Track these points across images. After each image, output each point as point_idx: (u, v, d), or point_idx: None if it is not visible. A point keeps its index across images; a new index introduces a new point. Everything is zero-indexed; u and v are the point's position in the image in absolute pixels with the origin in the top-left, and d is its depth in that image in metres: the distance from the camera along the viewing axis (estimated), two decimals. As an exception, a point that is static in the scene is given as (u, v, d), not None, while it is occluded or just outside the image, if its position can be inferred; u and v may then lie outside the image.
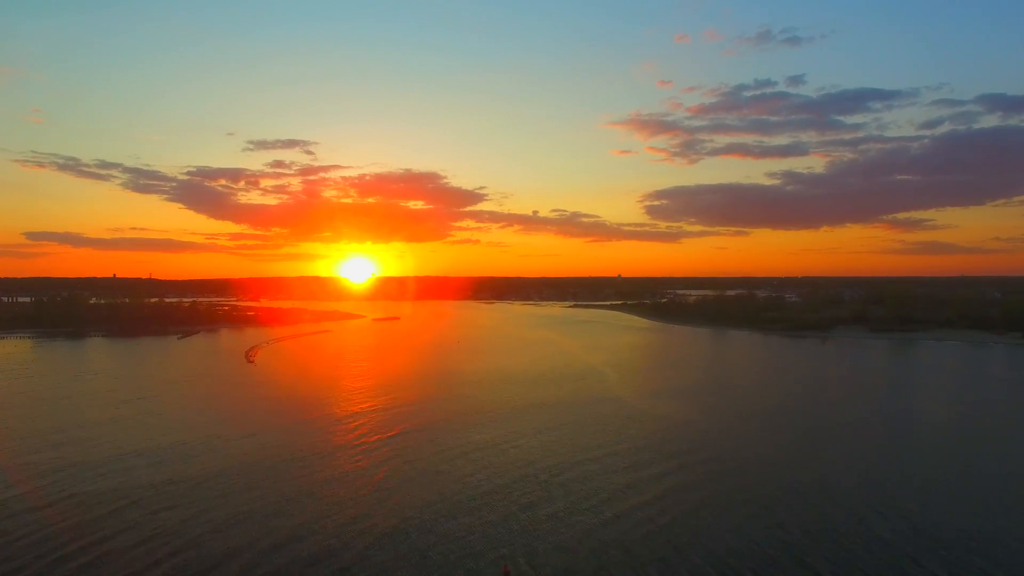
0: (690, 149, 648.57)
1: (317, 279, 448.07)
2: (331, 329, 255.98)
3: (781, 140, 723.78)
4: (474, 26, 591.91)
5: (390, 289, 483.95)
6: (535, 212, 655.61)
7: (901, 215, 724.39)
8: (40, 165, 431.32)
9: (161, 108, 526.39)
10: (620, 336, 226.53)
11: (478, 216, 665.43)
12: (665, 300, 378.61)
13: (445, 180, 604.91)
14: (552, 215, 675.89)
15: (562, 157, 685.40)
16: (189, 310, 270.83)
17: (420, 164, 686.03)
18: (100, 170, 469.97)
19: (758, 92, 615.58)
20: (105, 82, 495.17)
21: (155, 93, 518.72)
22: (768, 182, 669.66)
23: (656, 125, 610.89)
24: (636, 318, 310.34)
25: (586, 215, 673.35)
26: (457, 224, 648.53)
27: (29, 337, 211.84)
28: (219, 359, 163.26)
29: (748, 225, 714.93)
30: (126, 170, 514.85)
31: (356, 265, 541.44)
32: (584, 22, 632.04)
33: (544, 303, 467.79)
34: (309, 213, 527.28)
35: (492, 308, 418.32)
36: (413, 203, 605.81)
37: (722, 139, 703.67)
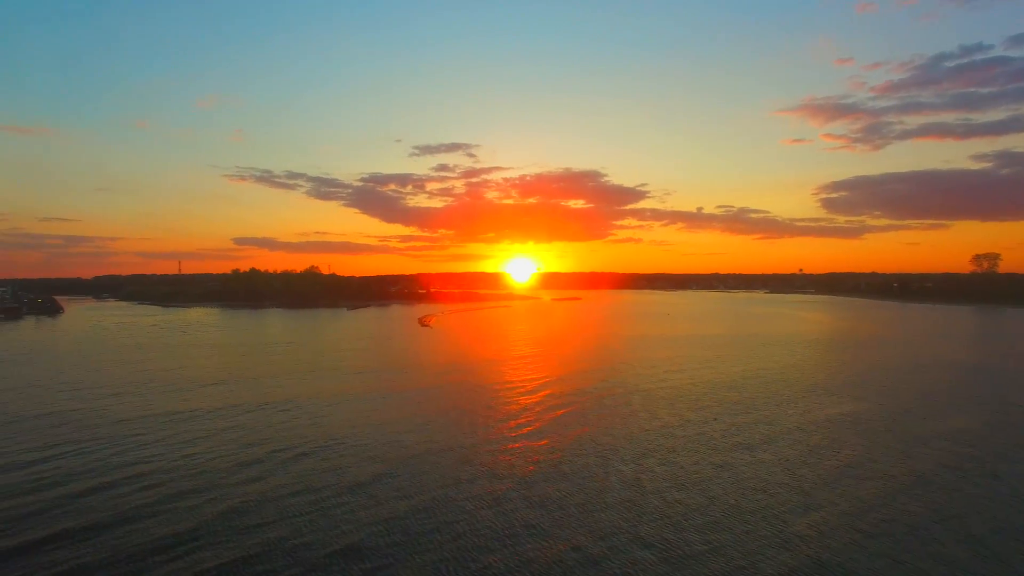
0: (874, 134, 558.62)
1: (484, 275, 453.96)
2: (509, 305, 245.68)
3: (995, 115, 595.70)
4: (629, 17, 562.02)
5: (556, 284, 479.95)
6: (699, 209, 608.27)
7: None
8: (242, 178, 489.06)
9: (338, 120, 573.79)
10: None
11: (640, 214, 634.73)
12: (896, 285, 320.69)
13: (605, 178, 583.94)
14: (717, 211, 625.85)
15: (727, 150, 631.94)
16: (360, 285, 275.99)
17: (580, 163, 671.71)
18: (289, 180, 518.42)
19: (965, 60, 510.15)
20: (292, 101, 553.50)
21: (333, 107, 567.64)
22: (975, 166, 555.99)
23: (833, 109, 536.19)
24: (874, 301, 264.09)
25: (754, 210, 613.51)
26: (618, 223, 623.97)
27: (215, 307, 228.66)
28: (394, 324, 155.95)
29: (947, 217, 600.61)
30: (309, 179, 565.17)
31: (520, 264, 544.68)
32: (747, 1, 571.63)
33: (731, 292, 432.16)
34: (473, 214, 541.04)
35: (680, 295, 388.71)
36: (573, 202, 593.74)
37: (914, 120, 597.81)
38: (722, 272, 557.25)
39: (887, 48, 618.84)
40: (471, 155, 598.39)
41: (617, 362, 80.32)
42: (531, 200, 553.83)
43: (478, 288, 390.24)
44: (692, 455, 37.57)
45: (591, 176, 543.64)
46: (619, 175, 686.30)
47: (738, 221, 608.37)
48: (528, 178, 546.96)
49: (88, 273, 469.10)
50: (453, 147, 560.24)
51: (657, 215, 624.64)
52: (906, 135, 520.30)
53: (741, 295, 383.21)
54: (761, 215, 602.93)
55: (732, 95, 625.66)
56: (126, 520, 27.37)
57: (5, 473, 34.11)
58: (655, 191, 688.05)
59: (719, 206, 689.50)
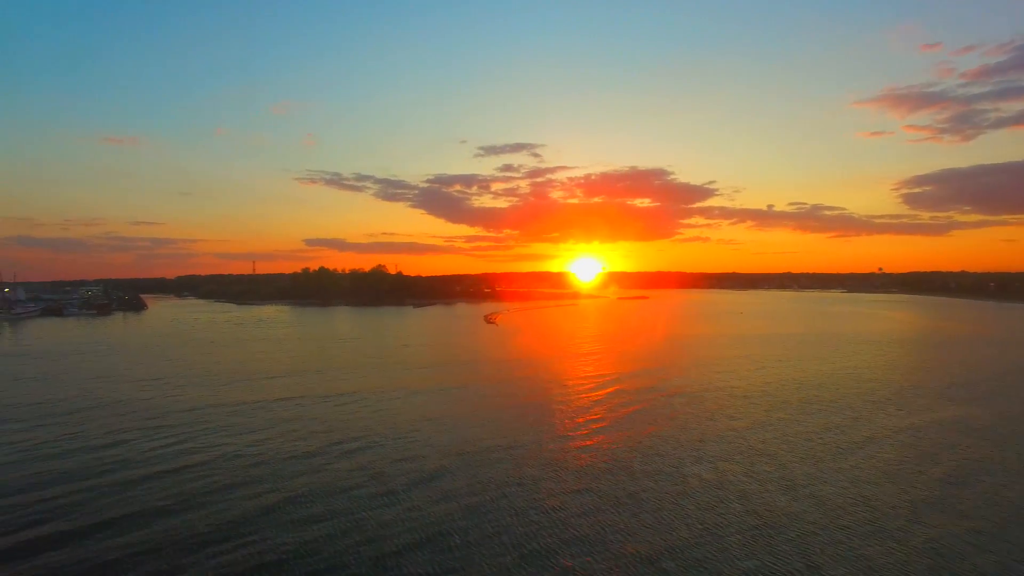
0: (965, 123, 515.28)
1: (548, 274, 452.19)
2: (575, 304, 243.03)
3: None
4: (695, 12, 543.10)
5: (621, 284, 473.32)
6: (770, 206, 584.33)
7: None
8: (313, 181, 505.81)
9: (404, 122, 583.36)
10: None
11: (707, 212, 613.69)
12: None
13: (672, 176, 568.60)
14: (790, 209, 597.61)
15: (800, 145, 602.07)
16: (426, 285, 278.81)
17: (645, 161, 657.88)
18: (357, 182, 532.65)
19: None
20: (361, 105, 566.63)
21: (399, 110, 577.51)
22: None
23: (917, 99, 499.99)
24: (967, 300, 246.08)
25: (829, 207, 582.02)
26: (685, 221, 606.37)
27: (286, 305, 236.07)
28: (460, 321, 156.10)
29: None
30: (377, 181, 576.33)
31: (585, 264, 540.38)
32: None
33: (805, 291, 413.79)
34: (537, 214, 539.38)
35: (751, 295, 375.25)
36: (639, 201, 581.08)
37: (1012, 106, 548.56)
38: (794, 271, 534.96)
39: (981, 29, 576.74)
40: (536, 155, 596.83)
41: (689, 359, 76.80)
42: (596, 199, 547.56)
43: (543, 287, 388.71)
44: (777, 458, 34.51)
45: (657, 174, 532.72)
46: (686, 173, 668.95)
47: (811, 219, 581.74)
48: (593, 177, 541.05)
49: (172, 273, 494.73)
50: (518, 147, 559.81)
51: (725, 213, 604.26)
52: (1001, 123, 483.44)
53: (816, 295, 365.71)
54: (836, 212, 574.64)
55: (805, 87, 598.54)
56: (187, 507, 27.05)
57: (76, 456, 34.85)
58: (724, 189, 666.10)
59: (791, 203, 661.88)
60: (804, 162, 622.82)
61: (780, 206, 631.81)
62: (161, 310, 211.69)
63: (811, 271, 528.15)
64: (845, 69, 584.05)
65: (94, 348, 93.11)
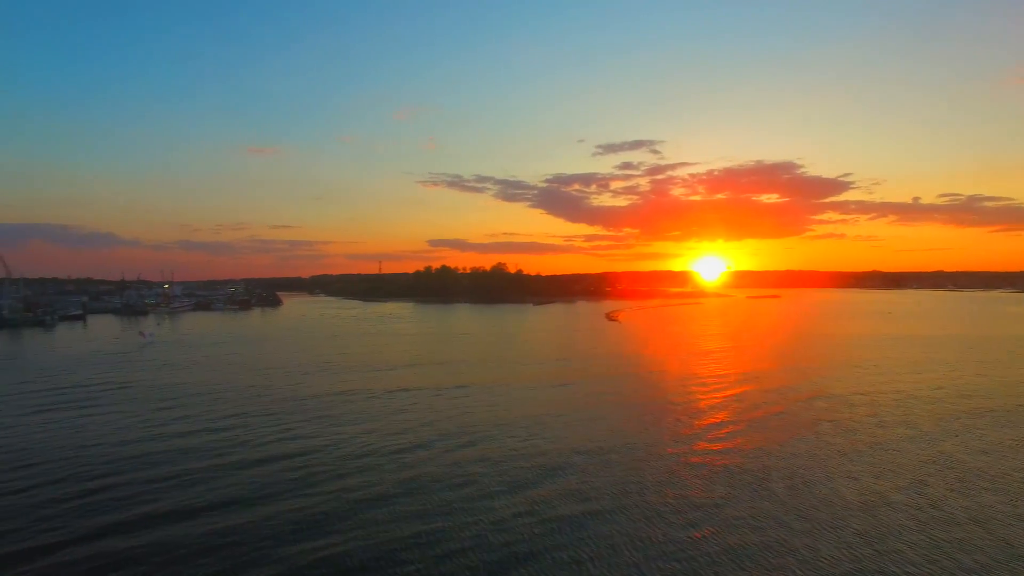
0: None
1: (670, 273, 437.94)
2: (700, 303, 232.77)
3: None
4: None
5: (747, 283, 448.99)
6: (915, 199, 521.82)
7: None
8: (435, 184, 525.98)
9: (522, 123, 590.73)
10: None
11: (842, 207, 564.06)
12: None
13: (802, 170, 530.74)
14: (940, 201, 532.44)
15: (951, 129, 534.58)
16: (545, 283, 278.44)
17: (772, 154, 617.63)
18: (477, 183, 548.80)
19: None
20: (480, 108, 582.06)
21: (517, 111, 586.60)
22: None
23: None
24: None
25: (991, 198, 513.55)
26: (817, 217, 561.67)
27: (409, 302, 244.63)
28: (581, 318, 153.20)
29: None
30: (497, 182, 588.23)
31: (708, 263, 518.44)
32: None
33: (962, 290, 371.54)
34: (658, 212, 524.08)
35: (897, 294, 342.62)
36: (766, 197, 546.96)
37: None
38: (948, 270, 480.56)
39: None
40: (655, 151, 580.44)
41: (831, 359, 68.99)
42: (719, 196, 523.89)
43: (665, 286, 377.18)
44: (952, 481, 28.42)
45: (785, 168, 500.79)
46: (818, 165, 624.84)
47: (968, 211, 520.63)
48: (716, 173, 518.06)
49: (306, 273, 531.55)
50: (637, 144, 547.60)
51: (863, 207, 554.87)
52: None
53: (980, 294, 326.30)
54: (1001, 203, 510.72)
55: (957, 63, 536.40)
56: (288, 494, 26.13)
57: (197, 436, 35.69)
58: (861, 181, 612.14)
59: (941, 195, 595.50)
60: (958, 148, 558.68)
61: (928, 198, 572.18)
62: (294, 306, 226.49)
63: (968, 269, 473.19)
64: (1008, 39, 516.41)
65: (232, 339, 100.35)
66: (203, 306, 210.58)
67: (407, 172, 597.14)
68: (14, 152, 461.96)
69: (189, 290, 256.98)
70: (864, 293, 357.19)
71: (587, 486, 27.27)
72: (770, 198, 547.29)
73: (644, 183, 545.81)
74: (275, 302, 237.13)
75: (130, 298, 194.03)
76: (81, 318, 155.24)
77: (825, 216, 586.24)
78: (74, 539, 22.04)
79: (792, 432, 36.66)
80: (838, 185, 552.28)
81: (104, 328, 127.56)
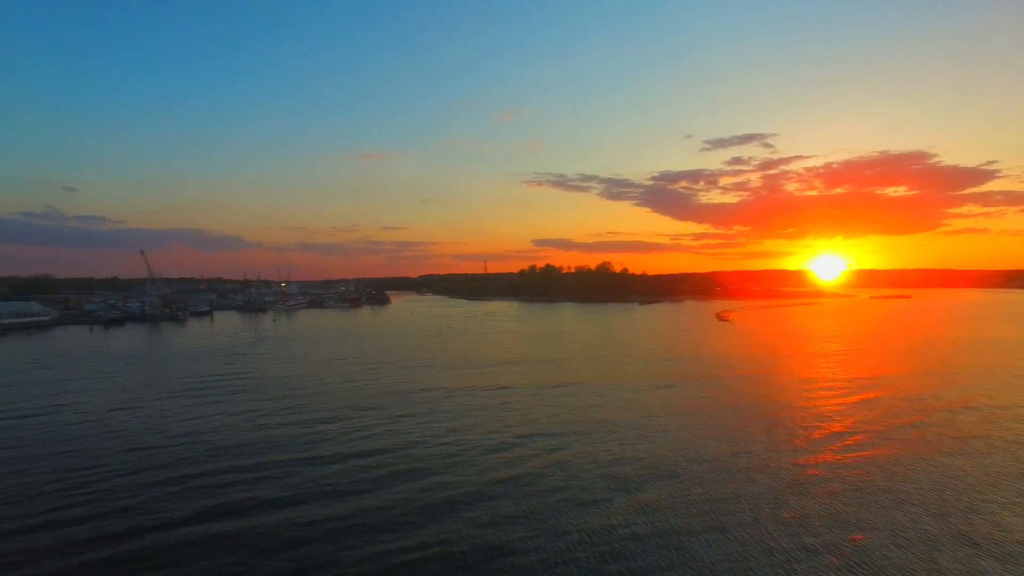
0: None
1: (784, 272, 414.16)
2: (817, 303, 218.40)
3: None
4: None
5: (871, 282, 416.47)
6: None
7: None
8: (539, 184, 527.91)
9: (626, 121, 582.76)
10: None
11: (986, 199, 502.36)
12: None
13: (935, 159, 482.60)
14: None
15: None
16: (652, 282, 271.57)
17: (899, 144, 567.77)
18: (582, 183, 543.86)
19: None
20: (583, 106, 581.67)
21: (621, 108, 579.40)
22: None
23: None
24: None
25: None
26: (953, 210, 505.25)
27: (513, 301, 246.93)
28: (689, 318, 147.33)
29: None
30: (601, 181, 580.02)
31: (826, 261, 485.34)
32: None
33: None
34: (771, 209, 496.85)
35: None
36: (891, 190, 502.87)
37: None
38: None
39: None
40: (767, 145, 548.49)
41: (976, 367, 60.95)
42: (838, 190, 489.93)
43: (779, 286, 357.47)
44: None
45: (914, 158, 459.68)
46: (954, 154, 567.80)
47: None
48: (834, 166, 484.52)
49: (414, 272, 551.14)
50: (747, 138, 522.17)
51: (1010, 198, 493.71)
52: None
53: None
54: None
55: None
56: (371, 489, 25.71)
57: (290, 427, 36.36)
58: (1008, 169, 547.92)
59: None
60: None
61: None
62: (402, 304, 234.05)
63: None
64: None
65: (341, 335, 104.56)
66: (316, 304, 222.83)
67: (512, 172, 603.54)
68: (164, 165, 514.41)
69: (304, 289, 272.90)
70: (1014, 293, 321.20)
71: (701, 496, 24.83)
72: (897, 191, 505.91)
73: (755, 178, 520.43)
74: (383, 300, 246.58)
75: (251, 296, 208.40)
76: (208, 314, 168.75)
77: (963, 209, 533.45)
78: (172, 522, 22.56)
79: (933, 446, 32.15)
80: (980, 175, 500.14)
81: (227, 324, 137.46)
